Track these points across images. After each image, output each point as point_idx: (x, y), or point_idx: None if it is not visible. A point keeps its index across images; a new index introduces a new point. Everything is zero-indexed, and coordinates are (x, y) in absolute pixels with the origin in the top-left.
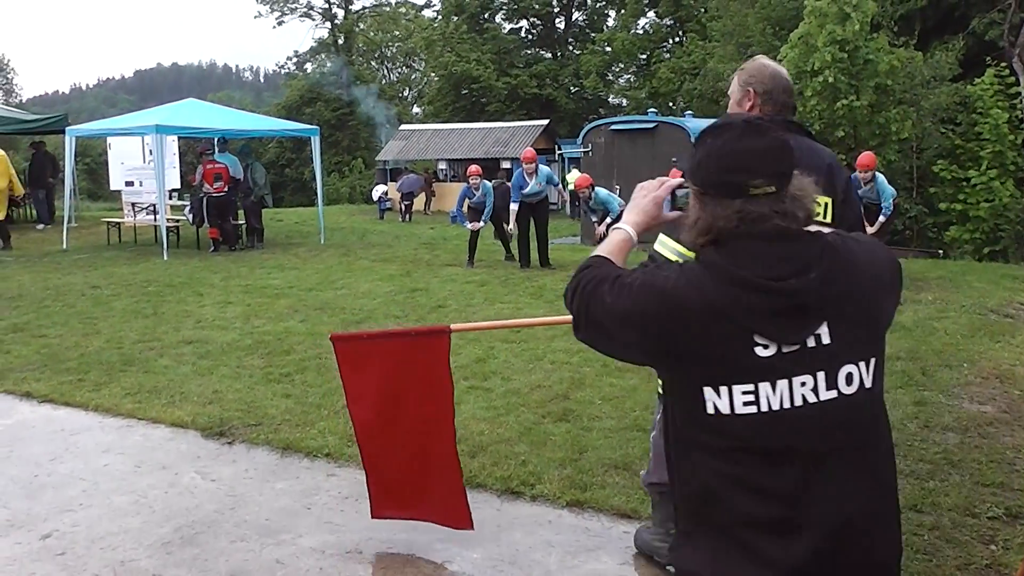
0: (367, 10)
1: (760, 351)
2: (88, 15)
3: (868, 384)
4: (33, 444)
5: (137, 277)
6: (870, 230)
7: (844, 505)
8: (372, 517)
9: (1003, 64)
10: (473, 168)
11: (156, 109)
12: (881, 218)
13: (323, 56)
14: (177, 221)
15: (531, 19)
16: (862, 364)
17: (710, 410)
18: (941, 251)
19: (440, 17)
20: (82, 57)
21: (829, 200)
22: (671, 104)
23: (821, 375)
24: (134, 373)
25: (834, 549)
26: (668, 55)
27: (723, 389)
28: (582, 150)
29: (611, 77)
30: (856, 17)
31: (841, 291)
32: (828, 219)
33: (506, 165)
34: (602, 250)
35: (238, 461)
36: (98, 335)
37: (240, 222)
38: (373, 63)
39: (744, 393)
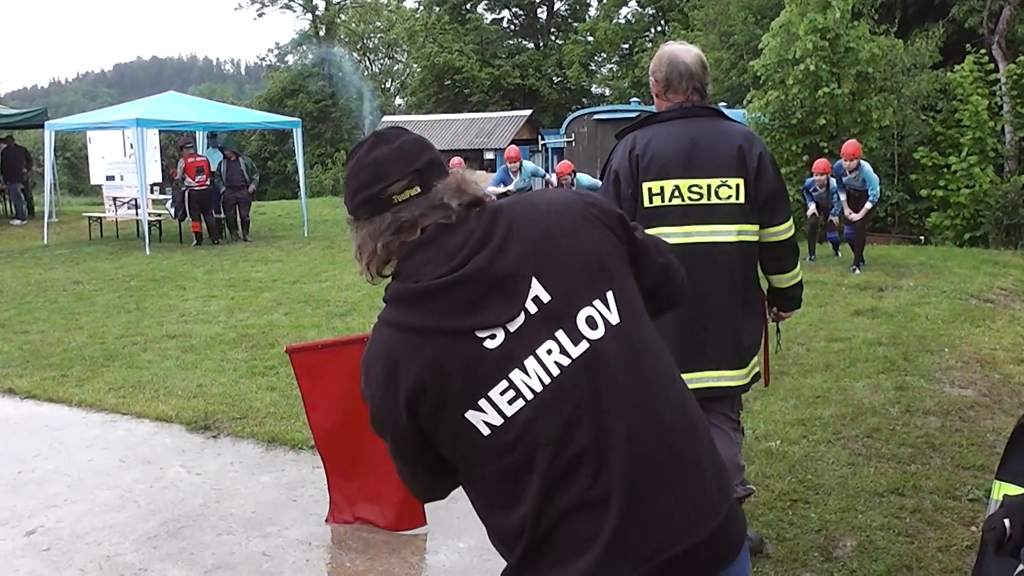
0: (348, 1)
1: (489, 344)
2: (66, 8)
3: (614, 320)
4: (16, 440)
5: (119, 272)
6: (855, 216)
7: (643, 455)
8: (326, 522)
9: (983, 51)
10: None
11: (136, 102)
12: (868, 204)
13: (304, 48)
14: (159, 215)
15: (513, 9)
16: (597, 303)
17: (485, 432)
18: (922, 237)
19: (422, 8)
20: (61, 51)
21: (741, 180)
22: (651, 88)
23: (561, 334)
24: (117, 368)
25: (643, 504)
26: (650, 44)
27: (483, 403)
28: (565, 140)
29: (594, 67)
30: (837, 5)
31: (531, 244)
32: (741, 199)
33: (489, 156)
34: None
35: (223, 454)
36: (81, 330)
37: (221, 215)
38: (355, 54)
39: (503, 393)
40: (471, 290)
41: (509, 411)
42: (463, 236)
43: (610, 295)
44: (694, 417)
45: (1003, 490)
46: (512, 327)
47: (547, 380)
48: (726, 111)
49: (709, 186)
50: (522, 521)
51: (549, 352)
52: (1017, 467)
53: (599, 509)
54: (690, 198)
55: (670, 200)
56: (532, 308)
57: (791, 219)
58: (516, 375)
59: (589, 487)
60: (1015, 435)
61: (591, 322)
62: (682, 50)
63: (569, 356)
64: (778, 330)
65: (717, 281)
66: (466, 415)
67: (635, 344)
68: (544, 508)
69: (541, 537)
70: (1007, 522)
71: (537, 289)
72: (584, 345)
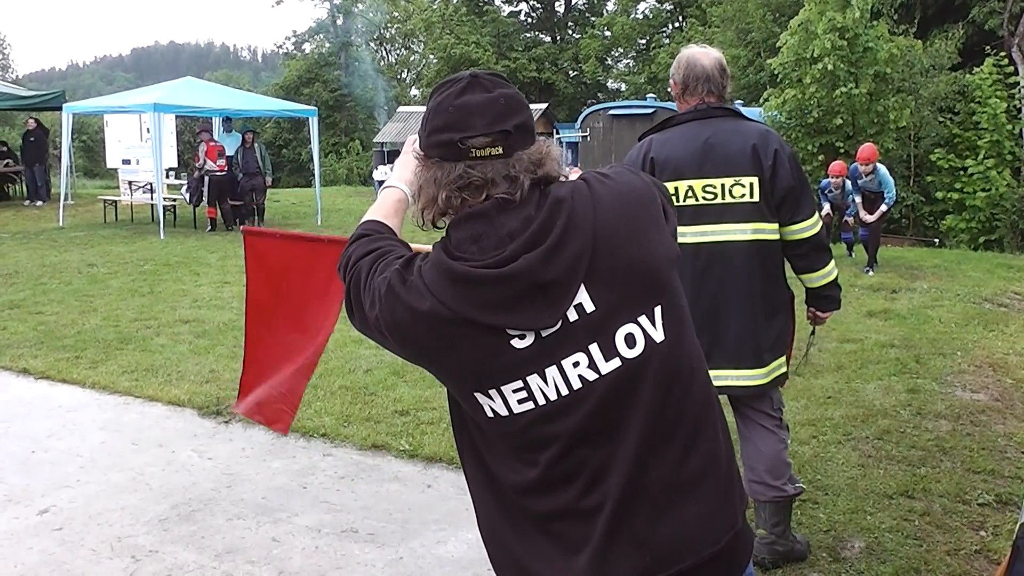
0: None
1: (517, 343)
2: None
3: (658, 338)
4: (30, 420)
5: (134, 256)
6: (870, 218)
7: (644, 476)
8: (232, 409)
9: (1002, 54)
10: None
11: (154, 87)
12: (883, 207)
13: (321, 36)
14: (174, 200)
15: (530, 2)
16: (643, 319)
17: (490, 414)
18: (937, 240)
19: None
20: (79, 34)
21: (755, 179)
22: (670, 90)
23: (595, 348)
24: (131, 351)
25: (634, 522)
26: (668, 40)
27: (493, 392)
28: (580, 134)
29: (610, 62)
30: (856, 4)
31: (586, 248)
32: (756, 197)
33: None
34: (376, 212)
35: (235, 440)
36: (95, 313)
37: (239, 202)
38: (372, 44)
39: (515, 391)
40: (512, 290)
41: (517, 409)
42: (519, 223)
43: (658, 310)
44: (718, 444)
45: None
46: (545, 332)
47: (565, 392)
48: (743, 109)
49: (723, 185)
50: (503, 500)
51: (576, 364)
52: None
53: (588, 520)
54: (704, 198)
55: (684, 200)
56: (573, 316)
57: (816, 216)
58: (534, 379)
59: (580, 498)
60: None
61: (630, 340)
62: (701, 53)
63: (597, 372)
64: (812, 333)
65: (733, 280)
66: (474, 393)
67: (673, 365)
68: (533, 503)
69: (524, 525)
70: None
71: (582, 297)
72: (616, 363)
